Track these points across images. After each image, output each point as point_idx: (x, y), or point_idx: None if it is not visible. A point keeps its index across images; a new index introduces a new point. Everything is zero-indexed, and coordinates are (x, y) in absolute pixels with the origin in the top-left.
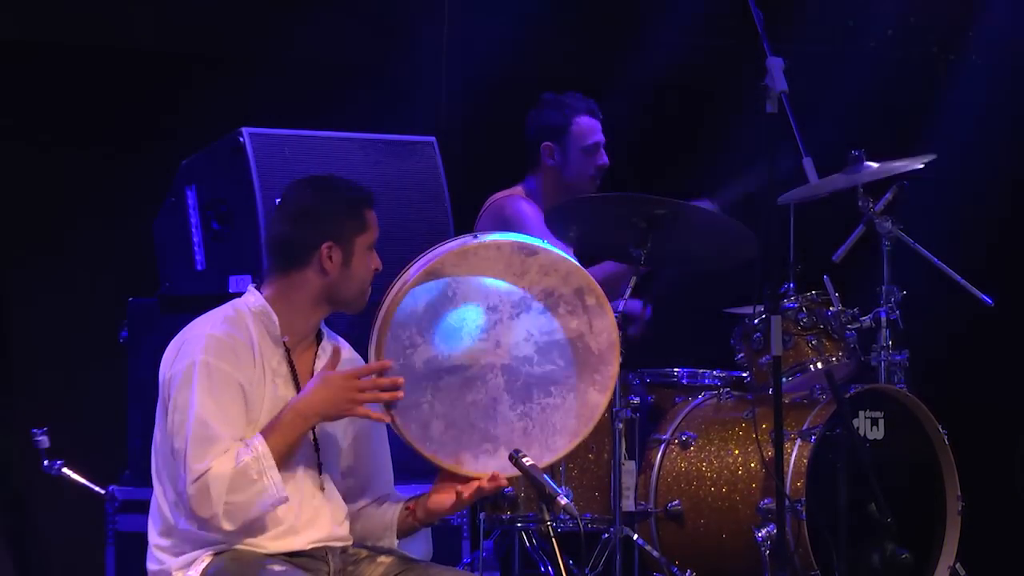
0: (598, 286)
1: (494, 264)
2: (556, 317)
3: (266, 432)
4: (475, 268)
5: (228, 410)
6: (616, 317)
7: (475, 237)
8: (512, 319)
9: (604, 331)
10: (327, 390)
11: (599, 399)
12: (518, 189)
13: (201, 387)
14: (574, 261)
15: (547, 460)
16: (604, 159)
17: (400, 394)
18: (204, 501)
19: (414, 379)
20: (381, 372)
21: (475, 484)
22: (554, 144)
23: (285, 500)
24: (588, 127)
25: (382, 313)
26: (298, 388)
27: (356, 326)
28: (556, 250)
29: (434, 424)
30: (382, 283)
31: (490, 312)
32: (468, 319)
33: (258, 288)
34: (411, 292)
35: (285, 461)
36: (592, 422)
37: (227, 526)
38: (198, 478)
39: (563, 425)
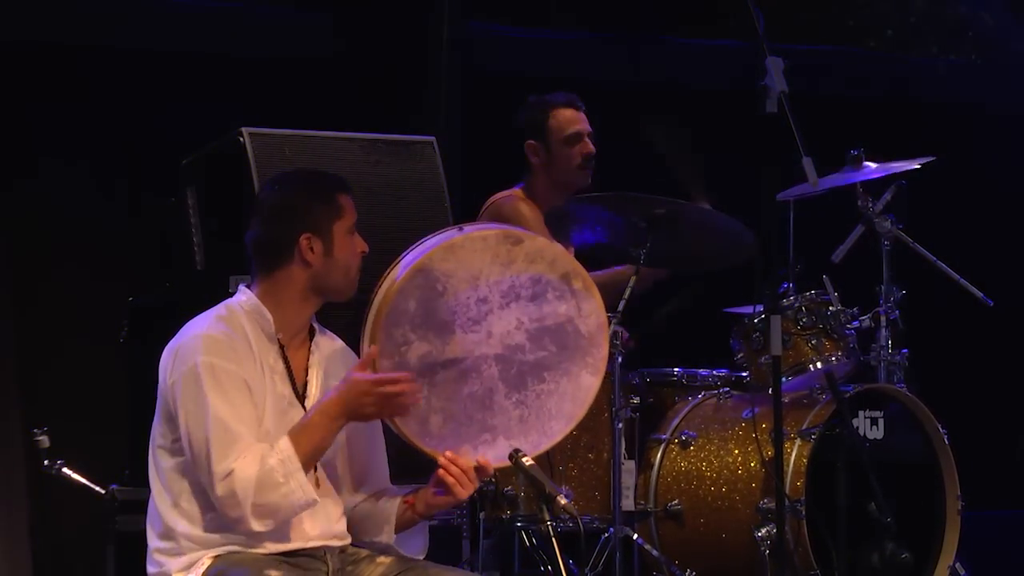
0: (584, 270)
1: (481, 255)
2: (545, 303)
3: (293, 434)
4: (462, 261)
5: (240, 408)
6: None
7: (460, 230)
8: (502, 308)
9: (592, 313)
10: (353, 393)
11: (592, 381)
12: (517, 190)
13: (210, 388)
14: (559, 246)
15: (545, 445)
16: (589, 147)
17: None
18: (232, 503)
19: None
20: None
21: (470, 474)
22: (537, 141)
23: (315, 503)
24: (566, 118)
25: (372, 313)
26: (294, 384)
27: (354, 326)
28: (541, 237)
29: (432, 419)
30: (374, 278)
31: (480, 303)
32: (458, 312)
33: (248, 288)
34: (400, 290)
35: (313, 462)
36: (586, 404)
37: (257, 527)
38: (224, 478)
39: (558, 410)
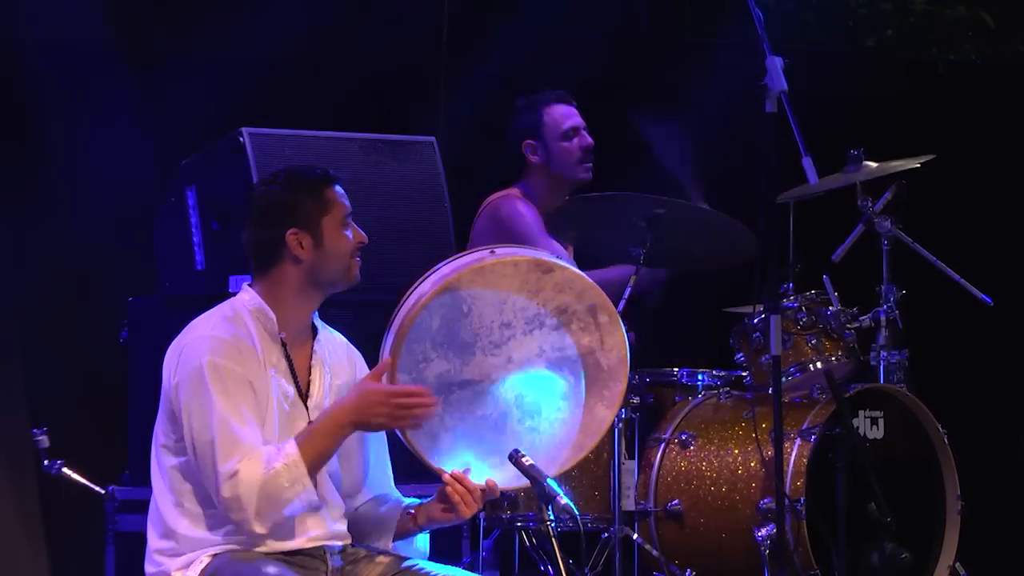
0: (611, 304)
1: (510, 280)
2: (568, 333)
3: (300, 438)
4: (491, 284)
5: (244, 409)
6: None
7: (492, 253)
8: (525, 335)
9: (615, 348)
10: (365, 402)
11: (606, 414)
12: (514, 190)
13: (215, 389)
14: (589, 279)
15: (553, 472)
16: (587, 140)
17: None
18: (236, 506)
19: None
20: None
21: (476, 494)
22: (534, 140)
23: (321, 507)
24: (560, 113)
25: (396, 326)
26: (296, 383)
27: (355, 326)
28: (572, 267)
29: (443, 436)
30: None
31: (503, 328)
32: (481, 335)
33: (251, 287)
34: (427, 306)
35: (318, 468)
36: (598, 436)
37: (260, 529)
38: (228, 479)
39: (569, 438)
